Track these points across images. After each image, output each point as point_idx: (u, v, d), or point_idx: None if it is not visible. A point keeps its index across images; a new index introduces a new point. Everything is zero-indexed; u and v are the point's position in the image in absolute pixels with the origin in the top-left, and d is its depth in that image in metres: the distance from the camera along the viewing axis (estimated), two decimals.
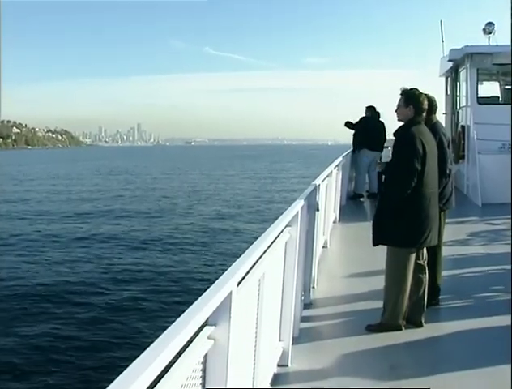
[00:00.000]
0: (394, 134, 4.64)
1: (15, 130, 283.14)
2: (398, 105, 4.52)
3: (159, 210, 25.20)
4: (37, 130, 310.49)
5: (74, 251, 16.07)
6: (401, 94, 4.52)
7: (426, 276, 4.62)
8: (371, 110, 11.79)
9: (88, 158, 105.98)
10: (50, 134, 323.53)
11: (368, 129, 11.48)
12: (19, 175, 53.39)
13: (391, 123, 4.90)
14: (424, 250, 4.62)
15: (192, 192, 33.56)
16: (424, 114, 4.56)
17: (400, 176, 4.34)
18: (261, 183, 39.96)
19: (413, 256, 4.46)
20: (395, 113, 4.59)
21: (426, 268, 4.63)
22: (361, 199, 11.94)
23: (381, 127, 11.65)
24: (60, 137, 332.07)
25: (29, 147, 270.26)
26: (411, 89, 4.51)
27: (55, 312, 10.60)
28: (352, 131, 11.85)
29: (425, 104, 4.50)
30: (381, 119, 11.85)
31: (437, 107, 5.21)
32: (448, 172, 4.94)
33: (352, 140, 11.86)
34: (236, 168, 62.25)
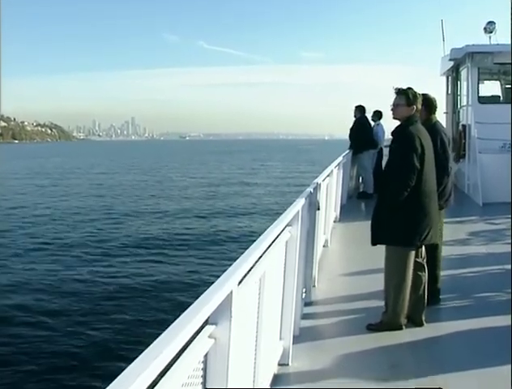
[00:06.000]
0: (392, 133, 4.64)
1: (2, 123, 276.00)
2: (397, 104, 4.51)
3: (146, 210, 24.61)
4: (26, 123, 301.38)
5: (68, 254, 15.85)
6: (400, 93, 4.50)
7: (426, 275, 4.62)
8: (361, 110, 11.92)
9: (47, 154, 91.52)
10: (39, 128, 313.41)
11: (366, 128, 11.86)
12: None
13: (389, 121, 4.87)
14: (423, 248, 4.62)
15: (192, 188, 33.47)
16: (418, 114, 4.58)
17: (400, 174, 4.33)
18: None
19: (412, 255, 4.46)
20: (391, 112, 4.59)
21: (425, 267, 4.63)
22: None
23: (370, 126, 12.10)
24: (49, 131, 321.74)
25: (16, 141, 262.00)
26: (409, 89, 4.51)
27: (54, 310, 10.59)
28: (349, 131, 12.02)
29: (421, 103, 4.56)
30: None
31: (436, 107, 5.21)
32: (449, 170, 4.96)
33: (351, 140, 11.88)
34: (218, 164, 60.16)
